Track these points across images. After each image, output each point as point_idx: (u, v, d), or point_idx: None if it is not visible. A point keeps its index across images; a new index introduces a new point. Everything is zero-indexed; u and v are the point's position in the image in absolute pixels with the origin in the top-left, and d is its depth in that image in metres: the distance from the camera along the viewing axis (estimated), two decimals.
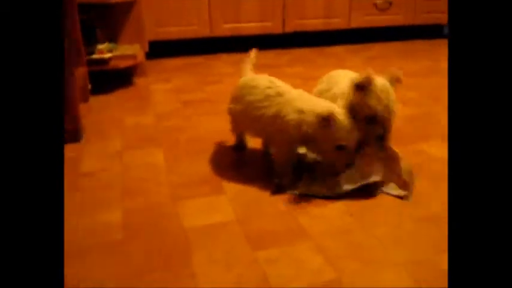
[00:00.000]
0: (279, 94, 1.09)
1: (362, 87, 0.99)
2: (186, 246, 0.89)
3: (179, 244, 0.90)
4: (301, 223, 0.96)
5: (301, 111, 1.04)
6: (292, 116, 1.05)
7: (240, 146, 1.35)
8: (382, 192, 1.07)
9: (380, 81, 1.00)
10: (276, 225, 0.96)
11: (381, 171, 1.06)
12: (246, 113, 1.16)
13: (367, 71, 1.00)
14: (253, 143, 1.34)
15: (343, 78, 1.18)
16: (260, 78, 1.17)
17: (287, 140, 1.07)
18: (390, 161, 1.07)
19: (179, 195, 1.08)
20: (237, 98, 1.20)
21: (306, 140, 1.06)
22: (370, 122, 1.01)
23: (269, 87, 1.12)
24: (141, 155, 1.32)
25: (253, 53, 1.31)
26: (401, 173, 1.07)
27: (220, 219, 0.98)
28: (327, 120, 0.99)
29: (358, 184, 1.05)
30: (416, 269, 0.81)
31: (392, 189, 1.07)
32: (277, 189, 1.09)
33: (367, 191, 1.06)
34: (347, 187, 1.05)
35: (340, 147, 1.01)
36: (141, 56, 2.17)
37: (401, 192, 1.06)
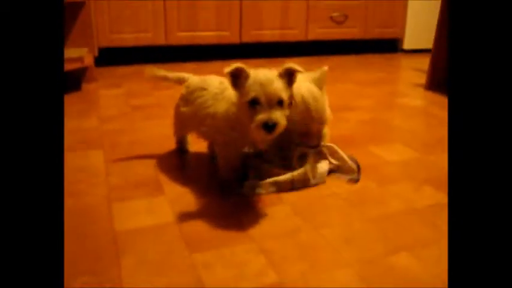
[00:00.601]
0: (222, 92, 1.04)
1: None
2: (115, 249, 0.81)
3: (108, 247, 0.82)
4: (244, 225, 0.90)
5: (229, 100, 1.00)
6: (222, 109, 1.01)
7: (181, 149, 1.28)
8: (338, 177, 1.13)
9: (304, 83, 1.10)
10: (218, 227, 0.89)
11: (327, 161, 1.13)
12: (194, 115, 1.10)
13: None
14: (200, 145, 1.27)
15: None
16: (210, 79, 1.12)
17: (224, 135, 1.01)
18: (332, 151, 1.15)
19: (115, 197, 1.00)
20: (187, 101, 1.14)
21: (236, 126, 0.97)
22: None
23: (217, 87, 1.07)
24: (79, 158, 1.22)
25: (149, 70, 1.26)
26: (346, 159, 1.14)
27: (158, 221, 0.91)
28: (236, 74, 0.91)
29: (309, 178, 1.06)
30: (365, 268, 0.77)
31: (344, 174, 1.14)
32: (222, 191, 1.03)
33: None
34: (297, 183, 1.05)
35: (253, 102, 0.88)
36: (89, 60, 2.07)
37: (353, 176, 1.12)
